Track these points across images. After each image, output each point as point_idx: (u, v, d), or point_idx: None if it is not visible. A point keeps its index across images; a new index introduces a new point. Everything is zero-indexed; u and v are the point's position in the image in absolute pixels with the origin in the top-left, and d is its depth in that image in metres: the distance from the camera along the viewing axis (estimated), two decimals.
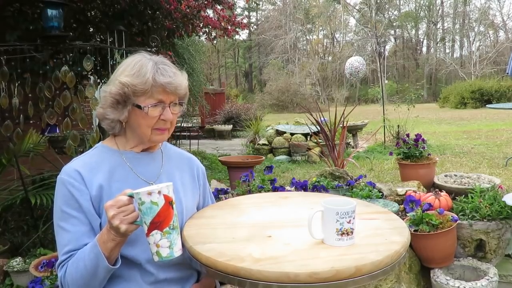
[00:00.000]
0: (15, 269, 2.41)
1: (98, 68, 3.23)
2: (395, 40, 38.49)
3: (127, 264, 1.21)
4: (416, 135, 3.80)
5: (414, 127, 7.71)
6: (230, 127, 11.92)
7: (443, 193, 2.82)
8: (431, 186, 3.55)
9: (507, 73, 6.19)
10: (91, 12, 3.57)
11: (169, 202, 1.07)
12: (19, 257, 2.50)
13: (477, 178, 3.48)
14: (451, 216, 2.43)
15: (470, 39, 34.95)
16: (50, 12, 2.49)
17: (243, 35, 36.39)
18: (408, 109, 7.80)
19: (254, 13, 40.21)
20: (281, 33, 34.65)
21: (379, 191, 2.93)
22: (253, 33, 37.93)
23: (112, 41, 2.87)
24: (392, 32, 37.69)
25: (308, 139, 7.45)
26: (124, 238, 1.10)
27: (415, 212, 2.47)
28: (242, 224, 1.29)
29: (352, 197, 2.46)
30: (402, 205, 2.87)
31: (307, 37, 37.98)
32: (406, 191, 3.04)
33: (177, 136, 7.66)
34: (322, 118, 4.59)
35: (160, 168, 1.34)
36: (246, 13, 38.68)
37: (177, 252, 1.09)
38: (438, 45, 37.03)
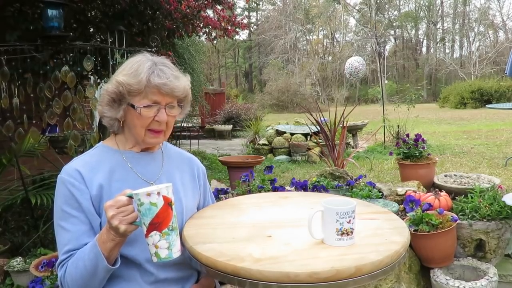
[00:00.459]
0: (16, 269, 2.41)
1: (98, 68, 3.23)
2: (395, 40, 38.49)
3: (127, 264, 1.21)
4: (416, 135, 3.81)
5: (414, 127, 7.71)
6: (230, 127, 11.92)
7: (443, 193, 2.82)
8: (431, 186, 3.55)
9: (506, 73, 6.19)
10: (91, 12, 3.57)
11: (168, 203, 1.06)
12: (20, 257, 2.50)
13: (477, 178, 3.48)
14: (451, 216, 2.43)
15: (470, 39, 34.96)
16: (50, 12, 2.50)
17: (243, 35, 36.44)
18: (408, 109, 7.81)
19: (254, 13, 40.24)
20: (281, 33, 34.63)
21: (379, 191, 2.93)
22: (253, 33, 37.91)
23: (112, 41, 2.87)
24: (392, 32, 37.68)
25: (308, 139, 7.45)
26: (123, 238, 1.11)
27: (415, 212, 2.47)
28: (242, 224, 1.29)
29: (352, 197, 2.47)
30: (402, 205, 2.87)
31: (307, 37, 37.98)
32: (406, 191, 3.04)
33: (177, 136, 7.66)
34: (322, 118, 4.59)
35: (160, 168, 1.34)
36: (246, 13, 38.69)
37: (176, 253, 1.09)
38: (438, 45, 37.03)
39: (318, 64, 33.43)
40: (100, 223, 1.20)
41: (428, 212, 2.46)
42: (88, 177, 1.22)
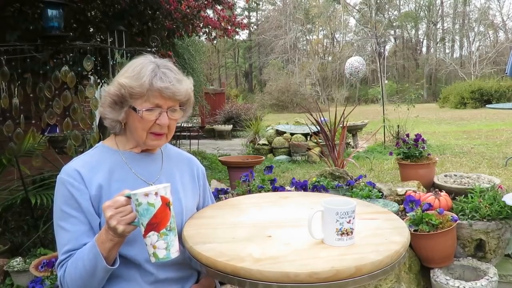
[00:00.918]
0: (15, 269, 2.41)
1: (98, 68, 3.23)
2: (395, 40, 38.48)
3: (127, 264, 1.21)
4: (416, 135, 3.80)
5: (414, 127, 7.71)
6: (230, 127, 11.92)
7: (443, 193, 2.82)
8: (431, 186, 3.55)
9: (506, 73, 6.19)
10: (91, 12, 3.57)
11: (166, 204, 1.06)
12: (19, 257, 2.50)
13: (477, 178, 3.48)
14: (451, 216, 2.43)
15: (470, 39, 34.95)
16: (50, 12, 2.50)
17: (243, 35, 36.41)
18: (408, 109, 7.81)
19: (254, 13, 40.23)
20: (281, 33, 34.63)
21: (379, 191, 2.93)
22: (253, 33, 37.91)
23: (112, 41, 2.87)
24: (392, 32, 37.68)
25: (308, 139, 7.45)
26: (122, 238, 1.11)
27: (415, 212, 2.47)
28: (242, 224, 1.29)
29: (352, 197, 2.47)
30: (402, 205, 2.87)
31: (307, 37, 37.98)
32: (406, 191, 3.04)
33: (177, 136, 7.66)
34: (322, 118, 4.59)
35: (159, 169, 1.34)
36: (246, 13, 38.69)
37: (174, 253, 1.09)
38: (438, 45, 37.03)
39: (318, 64, 33.43)
40: (100, 223, 1.20)
41: (428, 212, 2.46)
42: (88, 177, 1.21)
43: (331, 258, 1.02)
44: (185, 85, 1.25)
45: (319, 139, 5.46)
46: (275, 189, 2.77)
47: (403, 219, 2.21)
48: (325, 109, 6.01)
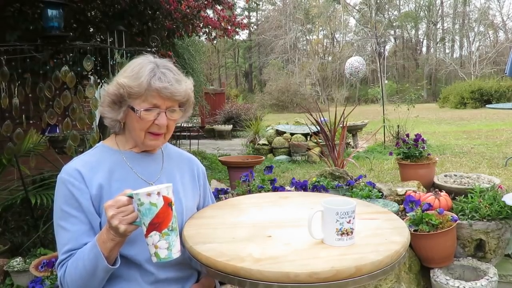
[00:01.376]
0: (15, 269, 2.41)
1: (98, 68, 3.23)
2: (395, 40, 38.48)
3: (127, 263, 1.21)
4: (416, 135, 3.80)
5: (414, 127, 7.71)
6: (230, 127, 11.92)
7: (443, 193, 2.82)
8: (431, 186, 3.55)
9: (506, 73, 6.19)
10: (91, 12, 3.57)
11: (168, 204, 1.06)
12: (19, 257, 2.50)
13: (477, 178, 3.48)
14: (451, 216, 2.43)
15: (470, 39, 34.94)
16: (50, 12, 2.50)
17: (243, 35, 36.41)
18: (408, 109, 7.81)
19: (254, 13, 40.22)
20: (281, 33, 34.62)
21: (379, 191, 2.93)
22: (253, 33, 37.91)
23: (112, 41, 2.87)
24: (392, 32, 37.68)
25: (308, 139, 7.45)
26: (123, 238, 1.10)
27: (415, 212, 2.47)
28: (242, 224, 1.29)
29: (352, 197, 2.47)
30: (402, 205, 2.87)
31: (307, 37, 37.97)
32: (406, 191, 3.04)
33: (177, 136, 7.66)
34: (322, 118, 4.59)
35: (160, 169, 1.34)
36: (246, 13, 38.68)
37: (176, 253, 1.09)
38: (438, 45, 37.02)
39: (318, 64, 33.42)
40: (100, 222, 1.20)
41: (428, 212, 2.46)
42: (88, 176, 1.21)
43: (331, 258, 1.02)
44: (184, 85, 1.25)
45: (319, 139, 5.46)
46: (275, 189, 2.77)
47: (403, 219, 2.21)
48: (325, 109, 6.02)
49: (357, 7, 36.83)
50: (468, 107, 19.50)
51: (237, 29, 5.29)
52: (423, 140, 3.78)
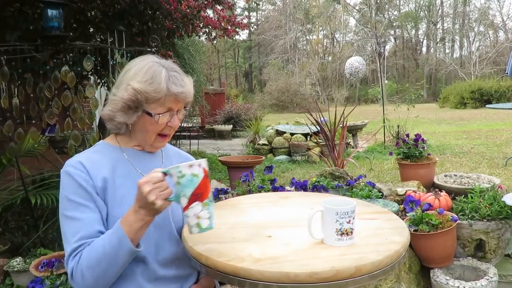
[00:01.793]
0: (15, 269, 2.41)
1: (98, 68, 3.23)
2: (395, 40, 38.48)
3: None
4: (416, 135, 3.80)
5: (414, 127, 7.71)
6: (230, 127, 11.92)
7: (443, 193, 2.82)
8: (431, 186, 3.55)
9: (507, 73, 6.19)
10: (91, 12, 3.57)
11: (206, 175, 1.09)
12: (19, 257, 2.50)
13: (477, 178, 3.48)
14: (451, 216, 2.43)
15: (470, 39, 34.95)
16: (50, 12, 2.50)
17: (243, 35, 36.41)
18: (408, 109, 7.81)
19: (254, 13, 40.23)
20: (281, 33, 34.63)
21: (379, 191, 2.93)
22: (253, 33, 37.91)
23: (112, 41, 2.87)
24: (392, 32, 37.68)
25: (308, 139, 7.45)
26: (152, 218, 1.11)
27: (415, 212, 2.47)
28: (242, 224, 1.29)
29: (352, 197, 2.47)
30: (402, 205, 2.87)
31: (307, 37, 37.98)
32: (406, 191, 3.04)
33: (177, 136, 7.66)
34: (322, 118, 4.59)
35: (160, 166, 1.34)
36: (246, 13, 38.68)
37: (215, 225, 1.12)
38: (438, 45, 37.03)
39: (318, 64, 33.43)
40: (107, 212, 1.20)
41: (428, 212, 2.46)
42: (92, 170, 1.21)
43: (331, 258, 1.02)
44: (190, 86, 1.28)
45: (319, 139, 5.46)
46: (275, 189, 2.77)
47: (403, 219, 2.21)
48: (325, 109, 6.01)
49: (357, 7, 36.84)
50: (468, 107, 19.50)
51: (237, 29, 5.29)
52: (423, 140, 3.78)
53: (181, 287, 1.31)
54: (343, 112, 4.37)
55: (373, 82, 31.72)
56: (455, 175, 3.66)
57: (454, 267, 2.48)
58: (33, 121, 2.66)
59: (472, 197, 2.66)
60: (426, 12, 37.36)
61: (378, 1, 33.67)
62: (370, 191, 2.81)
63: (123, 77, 1.25)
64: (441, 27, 37.22)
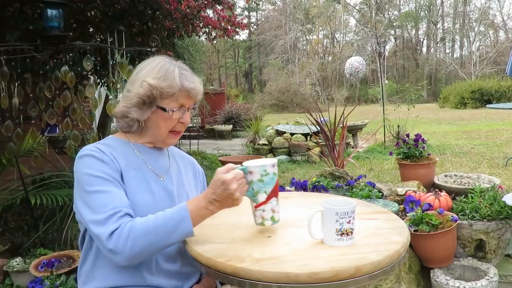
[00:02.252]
0: (15, 269, 2.41)
1: (98, 68, 3.23)
2: (395, 40, 38.48)
3: None
4: (416, 135, 3.80)
5: (414, 127, 7.70)
6: (230, 127, 11.92)
7: (443, 193, 2.82)
8: (431, 186, 3.55)
9: (506, 73, 6.18)
10: (91, 12, 3.57)
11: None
12: (19, 257, 2.50)
13: (477, 178, 3.48)
14: (451, 216, 2.43)
15: (470, 39, 34.96)
16: (50, 12, 2.50)
17: (243, 35, 36.43)
18: (408, 109, 7.80)
19: (254, 13, 40.23)
20: (281, 33, 34.64)
21: (379, 191, 2.93)
22: (253, 33, 37.92)
23: (112, 41, 2.87)
24: (392, 32, 37.69)
25: (308, 139, 7.45)
26: (219, 211, 1.14)
27: (415, 212, 2.47)
28: (242, 224, 1.29)
29: (352, 197, 2.46)
30: (402, 205, 2.87)
31: (307, 37, 37.98)
32: (406, 191, 3.04)
33: None
34: (322, 118, 4.59)
35: (168, 164, 1.37)
36: (246, 13, 38.69)
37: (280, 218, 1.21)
38: (438, 45, 37.04)
39: (318, 64, 33.44)
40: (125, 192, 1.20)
41: (428, 212, 2.46)
42: (111, 156, 1.23)
43: (331, 258, 1.02)
44: (200, 84, 1.32)
45: (319, 139, 5.46)
46: None
47: (403, 219, 2.21)
48: (325, 109, 6.01)
49: (357, 7, 36.85)
50: (468, 107, 19.50)
51: (237, 29, 5.29)
52: (423, 140, 3.78)
53: (182, 286, 1.31)
54: (343, 112, 4.37)
55: (373, 82, 31.73)
56: (455, 175, 3.66)
57: (454, 267, 2.48)
58: (33, 121, 2.66)
59: (472, 197, 2.66)
60: (426, 12, 37.38)
61: (378, 1, 33.67)
62: (370, 191, 2.81)
63: (136, 76, 1.28)
64: (441, 27, 37.24)
